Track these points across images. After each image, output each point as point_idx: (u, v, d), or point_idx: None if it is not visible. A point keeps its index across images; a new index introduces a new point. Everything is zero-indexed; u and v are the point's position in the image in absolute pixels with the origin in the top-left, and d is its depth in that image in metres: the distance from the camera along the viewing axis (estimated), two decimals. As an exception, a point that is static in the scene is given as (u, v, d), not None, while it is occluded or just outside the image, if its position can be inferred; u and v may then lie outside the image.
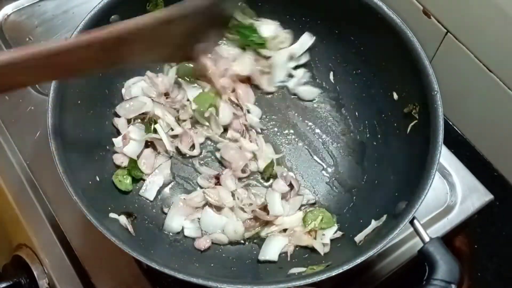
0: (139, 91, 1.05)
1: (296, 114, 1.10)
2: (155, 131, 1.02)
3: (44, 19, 1.24)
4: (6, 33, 1.22)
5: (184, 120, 1.05)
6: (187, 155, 1.04)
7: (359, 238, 0.90)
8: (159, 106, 1.03)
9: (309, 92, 1.10)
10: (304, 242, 0.94)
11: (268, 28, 1.08)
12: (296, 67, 1.10)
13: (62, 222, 1.00)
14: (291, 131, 1.08)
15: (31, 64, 0.67)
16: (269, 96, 1.10)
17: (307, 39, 1.09)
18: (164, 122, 1.03)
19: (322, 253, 0.92)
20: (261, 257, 0.94)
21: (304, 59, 1.10)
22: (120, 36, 0.75)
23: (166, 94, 1.06)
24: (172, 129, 1.03)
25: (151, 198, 0.99)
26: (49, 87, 0.88)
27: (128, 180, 0.99)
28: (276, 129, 1.08)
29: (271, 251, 0.94)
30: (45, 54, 0.67)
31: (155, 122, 1.02)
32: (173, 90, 1.06)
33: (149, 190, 0.99)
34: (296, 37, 1.09)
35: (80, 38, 0.74)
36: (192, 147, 1.04)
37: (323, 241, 0.94)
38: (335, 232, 0.95)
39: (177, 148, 1.04)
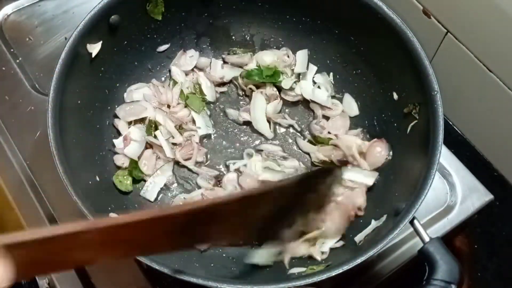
0: (141, 97, 1.05)
1: (296, 114, 1.10)
2: (156, 137, 1.01)
3: (44, 19, 1.24)
4: (6, 33, 1.22)
5: (188, 130, 1.04)
6: (180, 163, 1.02)
7: (359, 238, 0.90)
8: (160, 112, 1.03)
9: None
10: (300, 253, 0.91)
11: (266, 55, 1.09)
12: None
13: (62, 222, 1.00)
14: (292, 131, 1.08)
15: (94, 238, 0.56)
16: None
17: (302, 54, 1.09)
18: (165, 129, 1.02)
19: (319, 259, 0.90)
20: (248, 260, 0.90)
21: (313, 70, 1.10)
22: (197, 212, 0.65)
23: (168, 106, 1.06)
24: (173, 137, 1.03)
25: (152, 199, 0.99)
26: (49, 87, 0.87)
27: (129, 180, 0.99)
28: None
29: (259, 255, 0.90)
30: (113, 226, 0.58)
31: (156, 128, 1.02)
32: (177, 106, 1.06)
33: (150, 191, 0.99)
34: (294, 40, 1.09)
35: (157, 212, 0.63)
36: (189, 159, 1.03)
37: (322, 249, 0.91)
38: (337, 241, 0.93)
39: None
